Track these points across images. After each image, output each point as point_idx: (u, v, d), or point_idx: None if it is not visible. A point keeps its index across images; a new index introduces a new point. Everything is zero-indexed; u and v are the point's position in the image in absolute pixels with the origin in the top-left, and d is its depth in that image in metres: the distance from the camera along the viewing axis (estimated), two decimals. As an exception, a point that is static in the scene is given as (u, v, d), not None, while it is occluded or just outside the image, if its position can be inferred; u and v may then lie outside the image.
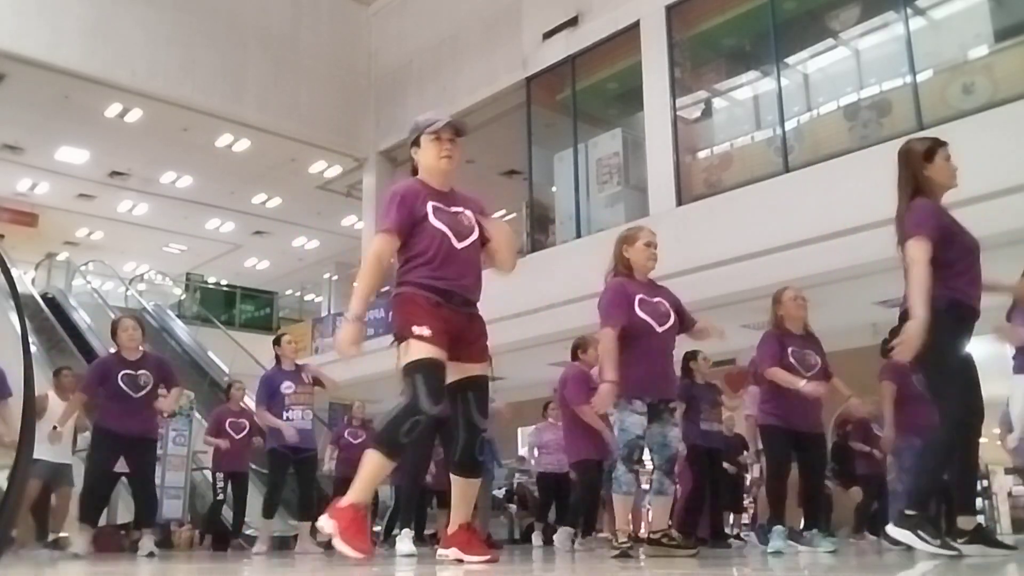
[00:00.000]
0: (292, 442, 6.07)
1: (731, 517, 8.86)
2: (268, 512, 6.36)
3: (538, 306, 9.72)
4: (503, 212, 14.07)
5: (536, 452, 7.88)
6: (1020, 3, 8.63)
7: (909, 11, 8.62)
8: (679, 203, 9.70)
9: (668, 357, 4.29)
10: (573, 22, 11.25)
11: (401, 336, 3.04)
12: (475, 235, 3.18)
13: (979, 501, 11.55)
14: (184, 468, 8.65)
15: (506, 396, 8.82)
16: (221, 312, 18.59)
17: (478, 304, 3.20)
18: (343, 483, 8.15)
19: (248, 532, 8.06)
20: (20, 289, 12.19)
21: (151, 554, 5.55)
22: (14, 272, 4.37)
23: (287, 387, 6.19)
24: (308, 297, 22.38)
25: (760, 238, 8.38)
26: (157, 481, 7.96)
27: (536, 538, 7.41)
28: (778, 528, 4.71)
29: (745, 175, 9.48)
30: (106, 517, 7.38)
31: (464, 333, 3.09)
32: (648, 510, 10.18)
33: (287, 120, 13.43)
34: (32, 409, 1.95)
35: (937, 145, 3.42)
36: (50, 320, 12.76)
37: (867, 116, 8.81)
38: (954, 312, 3.23)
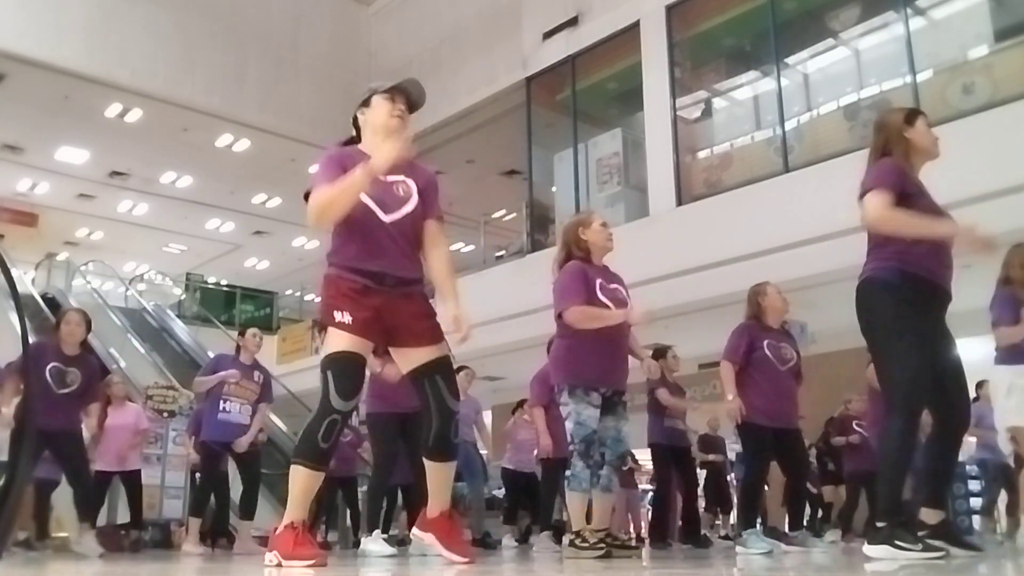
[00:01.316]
0: (223, 375, 5.92)
1: (720, 517, 8.87)
2: (195, 509, 6.26)
3: (538, 306, 9.67)
4: (503, 212, 14.12)
5: (508, 445, 7.75)
6: (1020, 3, 8.64)
7: (909, 11, 8.63)
8: (679, 203, 9.71)
9: (625, 346, 4.13)
10: (573, 22, 11.26)
11: (322, 323, 2.84)
12: (410, 206, 2.90)
13: (979, 501, 11.48)
14: (184, 468, 8.64)
15: (506, 396, 8.82)
16: (221, 312, 18.56)
17: (420, 283, 2.95)
18: (332, 482, 8.11)
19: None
20: (20, 289, 12.17)
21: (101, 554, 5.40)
22: (14, 272, 4.33)
23: (232, 375, 5.98)
24: (308, 297, 22.35)
25: (760, 238, 8.38)
26: (156, 481, 8.02)
27: (507, 539, 7.23)
28: (754, 530, 4.60)
29: (745, 175, 9.48)
30: (106, 517, 7.38)
31: (403, 316, 2.85)
32: (647, 510, 10.20)
33: (287, 120, 13.43)
34: (32, 410, 1.95)
35: (917, 112, 3.29)
36: (50, 320, 12.72)
37: (867, 116, 8.80)
38: (909, 286, 2.97)
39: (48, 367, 5.35)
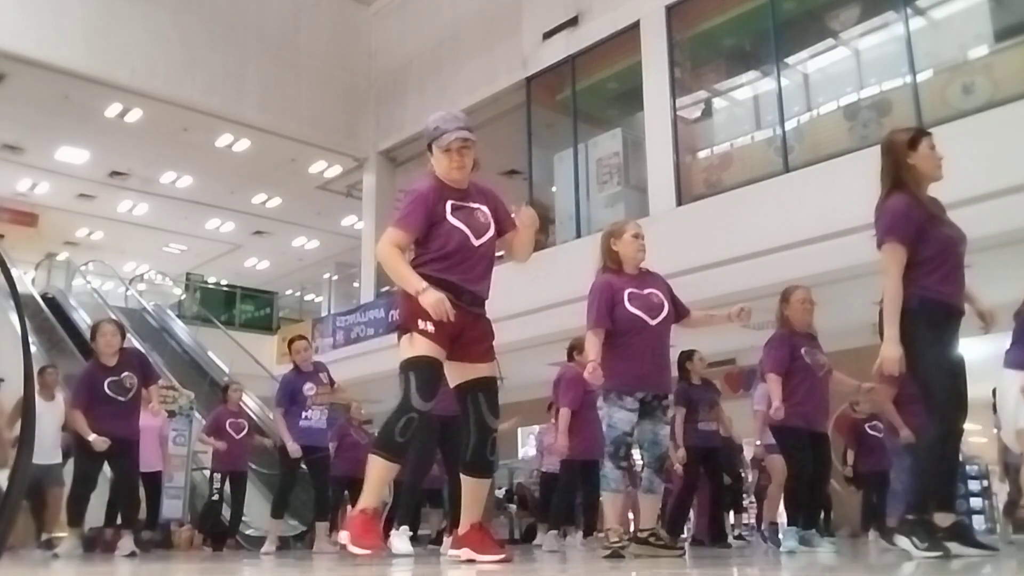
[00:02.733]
0: (295, 456, 6.10)
1: (732, 517, 8.85)
2: (277, 512, 6.35)
3: (538, 306, 9.72)
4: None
5: (542, 454, 7.85)
6: (1020, 3, 8.63)
7: (909, 11, 8.62)
8: (679, 203, 9.71)
9: (664, 350, 4.13)
10: (573, 22, 11.25)
11: (405, 328, 3.03)
12: (491, 232, 3.22)
13: (979, 501, 11.51)
14: (184, 468, 8.65)
15: (506, 396, 8.77)
16: (221, 312, 18.55)
17: (484, 306, 3.20)
18: (340, 482, 8.17)
19: (249, 532, 8.06)
20: (20, 289, 12.17)
21: (132, 553, 5.54)
22: (14, 272, 4.34)
23: (309, 388, 6.21)
24: (308, 297, 22.36)
25: (760, 238, 8.38)
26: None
27: (540, 538, 7.38)
28: (793, 528, 4.71)
29: (745, 175, 9.48)
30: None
31: (468, 333, 3.07)
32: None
33: (287, 120, 13.43)
34: (32, 410, 1.95)
35: (921, 134, 3.34)
36: (50, 320, 12.74)
37: (867, 116, 8.81)
38: (926, 311, 3.16)
39: (106, 384, 5.51)
